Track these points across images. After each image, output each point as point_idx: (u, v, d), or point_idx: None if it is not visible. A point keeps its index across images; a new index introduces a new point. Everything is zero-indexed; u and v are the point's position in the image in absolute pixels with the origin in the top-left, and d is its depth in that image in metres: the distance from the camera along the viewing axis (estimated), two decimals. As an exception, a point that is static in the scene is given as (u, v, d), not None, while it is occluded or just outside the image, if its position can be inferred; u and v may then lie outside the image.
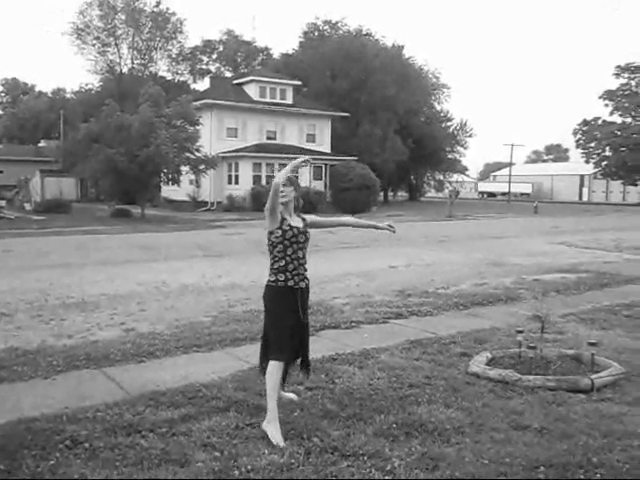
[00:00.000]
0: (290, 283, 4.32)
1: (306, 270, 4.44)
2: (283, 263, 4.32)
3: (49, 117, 64.13)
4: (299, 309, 4.35)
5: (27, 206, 34.95)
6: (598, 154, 62.40)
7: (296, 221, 4.43)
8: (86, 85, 62.26)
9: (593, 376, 5.12)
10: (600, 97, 61.28)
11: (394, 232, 4.79)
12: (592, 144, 62.34)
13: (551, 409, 4.60)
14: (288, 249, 4.33)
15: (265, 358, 4.40)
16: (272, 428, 4.07)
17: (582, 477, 3.54)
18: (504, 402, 4.75)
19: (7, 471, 3.57)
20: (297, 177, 4.56)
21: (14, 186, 41.09)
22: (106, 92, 49.92)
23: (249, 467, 3.59)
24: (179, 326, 7.41)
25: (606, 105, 61.31)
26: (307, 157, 4.44)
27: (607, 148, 61.10)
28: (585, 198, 78.09)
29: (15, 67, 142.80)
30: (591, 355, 5.50)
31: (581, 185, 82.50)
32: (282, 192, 4.29)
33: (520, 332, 5.83)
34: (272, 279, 4.36)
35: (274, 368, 4.24)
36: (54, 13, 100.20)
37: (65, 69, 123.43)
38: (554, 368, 5.46)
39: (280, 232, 4.33)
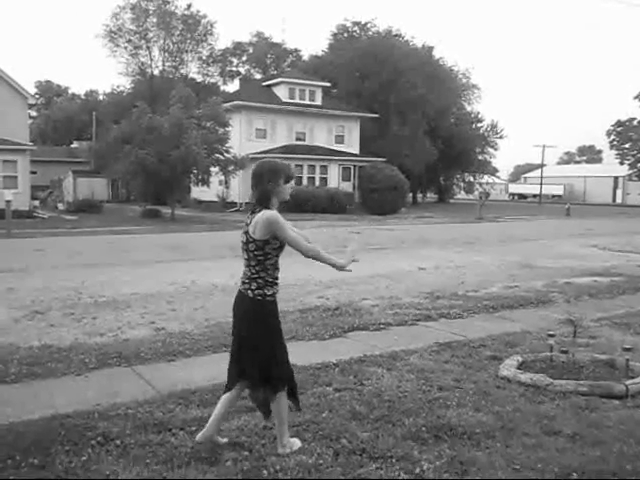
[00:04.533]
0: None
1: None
2: (277, 274, 3.83)
3: (82, 119, 65.25)
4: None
5: (60, 206, 35.60)
6: (633, 155, 61.15)
7: None
8: (118, 87, 63.38)
9: (628, 382, 5.01)
10: (635, 97, 60.10)
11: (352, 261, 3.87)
12: (627, 145, 61.14)
13: (584, 415, 4.52)
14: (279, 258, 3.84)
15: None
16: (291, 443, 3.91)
17: (616, 485, 3.47)
18: (535, 407, 4.68)
19: (41, 466, 3.63)
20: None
21: (47, 186, 41.97)
22: (137, 94, 50.62)
23: (278, 467, 3.60)
24: (209, 326, 7.46)
25: (641, 105, 60.11)
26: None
27: (643, 149, 59.87)
28: (619, 200, 76.48)
29: (49, 70, 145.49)
30: (625, 360, 5.39)
31: (615, 187, 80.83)
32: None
33: (552, 336, 5.74)
34: (270, 292, 3.77)
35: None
36: (88, 16, 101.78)
37: (98, 71, 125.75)
38: (587, 373, 5.36)
39: (278, 243, 3.73)
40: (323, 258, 3.75)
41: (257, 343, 3.77)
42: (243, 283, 3.82)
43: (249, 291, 3.76)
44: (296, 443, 3.91)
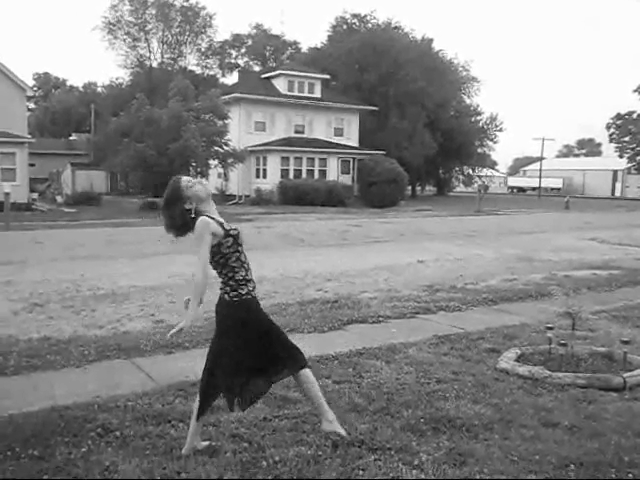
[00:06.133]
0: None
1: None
2: (245, 272, 3.68)
3: (80, 111, 65.10)
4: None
5: (58, 198, 35.54)
6: (632, 148, 61.17)
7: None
8: (116, 79, 63.13)
9: (625, 374, 5.03)
10: (635, 90, 60.02)
11: None
12: (626, 138, 61.14)
13: (582, 407, 4.54)
14: (242, 255, 3.68)
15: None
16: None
17: (614, 477, 3.49)
18: (533, 399, 4.69)
19: (41, 457, 3.64)
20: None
21: (46, 179, 41.90)
22: (136, 86, 50.43)
23: (277, 458, 3.61)
24: (207, 318, 7.43)
25: (641, 99, 60.02)
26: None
27: (642, 142, 59.84)
28: (618, 193, 76.51)
29: (47, 62, 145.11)
30: (623, 353, 5.40)
31: (614, 180, 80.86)
32: (201, 186, 3.73)
33: (550, 329, 5.75)
34: (244, 291, 3.65)
35: None
36: (86, 8, 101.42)
37: (96, 63, 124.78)
38: (585, 366, 5.38)
39: (231, 240, 3.62)
40: (196, 294, 3.65)
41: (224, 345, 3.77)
42: (220, 289, 3.73)
43: (226, 295, 3.69)
44: (202, 444, 3.80)
